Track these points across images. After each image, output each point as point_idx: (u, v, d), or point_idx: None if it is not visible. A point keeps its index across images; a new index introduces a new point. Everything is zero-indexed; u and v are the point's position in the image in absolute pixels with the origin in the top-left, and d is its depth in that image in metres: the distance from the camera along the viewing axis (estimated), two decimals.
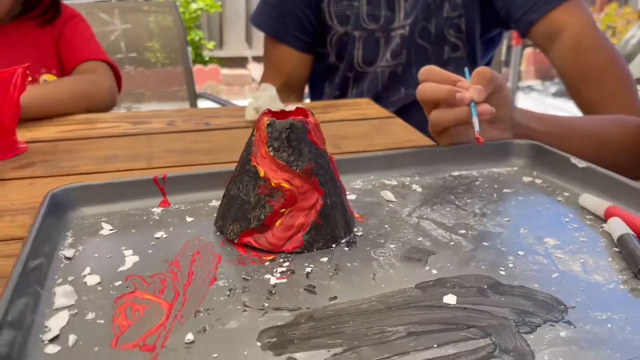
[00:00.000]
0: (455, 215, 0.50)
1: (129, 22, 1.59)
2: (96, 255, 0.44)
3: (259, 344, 0.33)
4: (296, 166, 0.44)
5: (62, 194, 0.50)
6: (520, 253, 0.43)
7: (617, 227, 0.45)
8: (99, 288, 0.39)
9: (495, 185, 0.57)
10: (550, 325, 0.34)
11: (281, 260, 0.43)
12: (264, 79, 1.13)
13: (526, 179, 0.59)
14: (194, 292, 0.38)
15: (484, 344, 0.33)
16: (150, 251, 0.44)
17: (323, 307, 0.37)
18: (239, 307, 0.37)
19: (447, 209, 0.52)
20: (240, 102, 1.17)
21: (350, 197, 0.54)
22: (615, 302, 0.37)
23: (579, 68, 0.88)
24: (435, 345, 0.33)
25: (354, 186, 0.57)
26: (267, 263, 0.42)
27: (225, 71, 4.43)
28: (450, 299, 0.37)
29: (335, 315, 0.36)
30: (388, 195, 0.54)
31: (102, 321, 0.35)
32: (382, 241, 0.46)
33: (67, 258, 0.43)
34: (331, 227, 0.45)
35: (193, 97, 1.65)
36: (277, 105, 0.80)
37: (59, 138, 0.80)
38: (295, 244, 0.44)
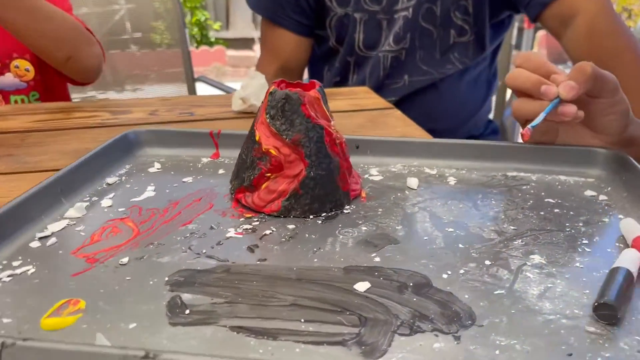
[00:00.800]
0: (461, 214, 0.46)
1: (133, 2, 1.52)
2: (127, 185, 0.52)
3: (166, 278, 0.37)
4: (286, 135, 0.46)
5: (132, 135, 0.60)
6: (487, 262, 0.39)
7: (624, 258, 0.37)
8: (105, 210, 0.48)
9: (543, 193, 0.51)
10: (435, 334, 0.32)
11: (256, 219, 0.46)
12: (261, 63, 1.10)
13: (589, 193, 0.51)
14: (164, 229, 0.44)
15: (348, 331, 0.32)
16: (167, 190, 0.51)
17: (245, 265, 0.39)
18: (182, 248, 0.41)
19: (460, 207, 0.48)
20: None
21: (376, 177, 0.54)
22: (533, 332, 0.32)
23: (593, 55, 0.80)
24: (302, 320, 0.33)
25: (390, 169, 0.56)
26: (242, 219, 0.46)
27: (231, 52, 4.34)
28: (361, 286, 0.36)
29: (248, 273, 0.38)
30: (412, 182, 0.52)
31: (83, 234, 0.43)
32: (359, 222, 0.45)
33: (107, 184, 0.53)
34: (311, 198, 0.46)
35: (191, 81, 1.59)
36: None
37: (29, 129, 0.74)
38: (274, 208, 0.47)
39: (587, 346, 0.30)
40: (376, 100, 0.89)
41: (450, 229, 0.44)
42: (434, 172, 0.56)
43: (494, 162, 0.56)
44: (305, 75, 1.16)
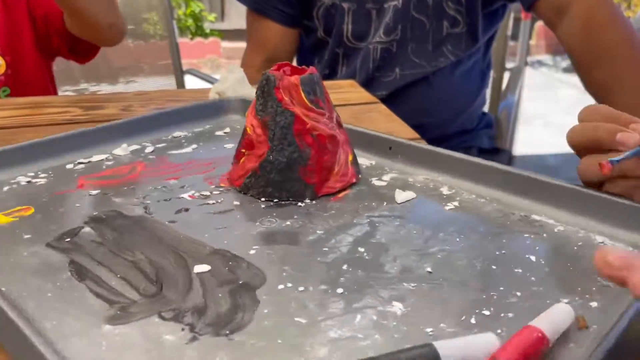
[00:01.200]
0: (400, 240, 0.40)
1: None
2: (183, 141, 0.61)
3: (95, 213, 0.44)
4: (260, 115, 0.47)
5: (222, 102, 0.67)
6: (340, 290, 0.34)
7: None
8: (142, 154, 0.57)
9: (538, 248, 0.39)
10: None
11: (221, 190, 0.49)
12: (247, 55, 1.06)
13: (599, 238, 0.37)
14: (155, 177, 0.51)
15: (136, 298, 0.33)
16: (201, 151, 0.58)
17: (160, 224, 0.43)
18: (140, 196, 0.47)
19: (414, 232, 0.41)
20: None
21: (380, 182, 0.49)
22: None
23: (590, 46, 0.80)
24: (118, 275, 0.36)
25: (406, 177, 0.50)
26: (212, 187, 0.49)
27: (225, 44, 4.16)
28: (200, 268, 0.36)
29: (153, 232, 0.42)
30: (400, 196, 0.46)
31: (104, 167, 0.54)
32: (295, 217, 0.44)
33: (173, 137, 0.62)
34: (266, 181, 0.46)
35: (180, 73, 1.54)
36: (245, 89, 0.72)
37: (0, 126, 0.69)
38: (238, 183, 0.48)
39: None
40: (361, 94, 0.84)
41: (361, 249, 0.39)
42: (448, 192, 0.48)
43: (525, 197, 0.45)
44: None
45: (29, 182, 0.50)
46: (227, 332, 0.31)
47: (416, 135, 0.67)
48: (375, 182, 0.50)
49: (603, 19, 0.80)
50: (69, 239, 0.40)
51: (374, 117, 0.74)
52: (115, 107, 0.77)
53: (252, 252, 0.39)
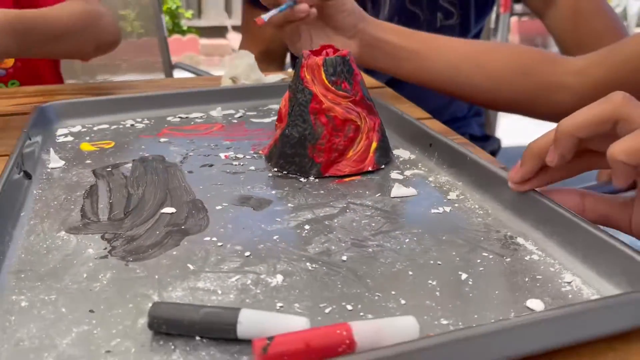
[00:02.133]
0: (354, 223, 0.39)
1: None
2: (272, 112, 0.66)
3: (146, 154, 0.53)
4: (290, 90, 0.50)
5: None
6: (262, 267, 0.36)
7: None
8: (221, 117, 0.64)
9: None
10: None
11: (256, 156, 0.53)
12: (242, 47, 1.06)
13: (568, 277, 0.30)
14: (210, 139, 0.58)
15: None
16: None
17: (179, 172, 0.50)
18: (190, 150, 0.55)
19: (372, 225, 0.39)
20: (220, 73, 0.86)
21: (397, 176, 0.48)
22: None
23: (577, 34, 0.84)
24: (109, 201, 0.43)
25: (427, 175, 0.47)
26: (252, 152, 0.54)
27: (204, 41, 4.11)
28: (168, 210, 0.42)
29: (167, 176, 0.49)
30: (396, 190, 0.45)
31: (192, 123, 0.63)
32: (286, 189, 0.46)
33: (270, 108, 0.68)
34: (280, 153, 0.49)
35: (169, 68, 1.50)
36: (256, 74, 0.74)
37: (11, 112, 0.69)
38: (266, 152, 0.52)
39: None
40: (367, 79, 0.81)
41: (307, 227, 0.39)
42: (454, 196, 0.44)
43: (522, 217, 0.39)
44: (288, 59, 1.13)
45: (132, 125, 0.62)
46: (130, 259, 0.36)
47: (427, 115, 0.65)
48: (393, 174, 0.49)
49: (589, 8, 0.84)
50: (109, 169, 0.50)
51: (383, 100, 0.68)
52: (127, 93, 0.75)
53: (218, 207, 0.43)
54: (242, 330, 0.28)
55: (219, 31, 4.13)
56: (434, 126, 0.57)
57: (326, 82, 0.48)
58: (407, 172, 0.49)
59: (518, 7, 3.25)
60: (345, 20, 0.65)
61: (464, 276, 0.34)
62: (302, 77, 0.48)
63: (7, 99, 0.73)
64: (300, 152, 0.48)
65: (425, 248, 0.37)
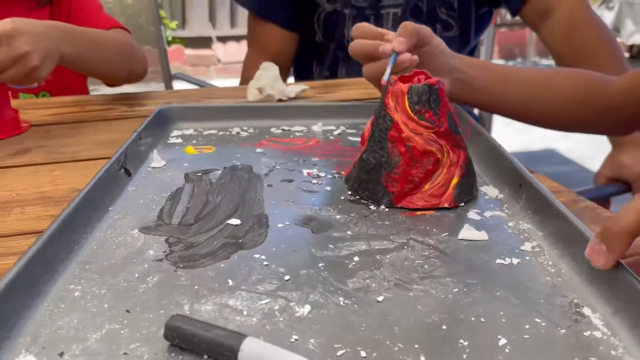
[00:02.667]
0: (407, 262, 0.37)
1: None
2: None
3: (237, 163, 0.56)
4: (375, 114, 0.49)
5: None
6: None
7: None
8: (321, 132, 0.65)
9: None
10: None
11: (337, 176, 0.53)
12: (249, 58, 1.10)
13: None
14: (302, 154, 0.59)
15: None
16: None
17: (260, 184, 0.51)
18: (277, 163, 0.56)
19: (426, 267, 0.37)
20: (214, 83, 1.09)
21: (474, 217, 0.45)
22: None
23: (572, 46, 0.88)
24: (187, 205, 0.46)
25: (505, 219, 0.43)
26: (334, 171, 0.54)
27: (189, 52, 4.10)
28: (234, 221, 0.44)
29: (247, 187, 0.51)
30: (467, 232, 0.41)
31: (292, 136, 0.64)
32: (352, 215, 0.45)
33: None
34: (355, 178, 0.49)
35: (168, 79, 1.48)
36: (280, 85, 0.77)
37: (49, 122, 0.73)
38: (346, 173, 0.52)
39: None
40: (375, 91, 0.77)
41: (356, 259, 0.38)
42: (529, 248, 0.40)
43: (597, 287, 0.34)
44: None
45: (237, 132, 0.66)
46: (181, 266, 0.38)
47: None
48: (471, 213, 0.46)
49: (583, 21, 0.91)
50: (200, 174, 0.53)
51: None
52: (156, 103, 0.78)
53: (280, 225, 0.44)
54: (243, 359, 0.28)
55: (203, 42, 4.18)
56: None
57: (409, 110, 0.46)
58: (488, 213, 0.46)
59: (498, 19, 3.60)
60: (440, 62, 0.65)
61: (502, 341, 0.31)
62: (385, 102, 0.47)
63: (41, 109, 0.78)
64: (375, 179, 0.47)
65: (472, 301, 0.34)
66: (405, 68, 0.59)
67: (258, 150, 0.60)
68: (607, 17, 4.37)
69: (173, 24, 4.05)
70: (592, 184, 0.90)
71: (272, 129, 0.67)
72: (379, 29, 0.62)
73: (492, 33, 2.37)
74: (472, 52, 1.17)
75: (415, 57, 0.59)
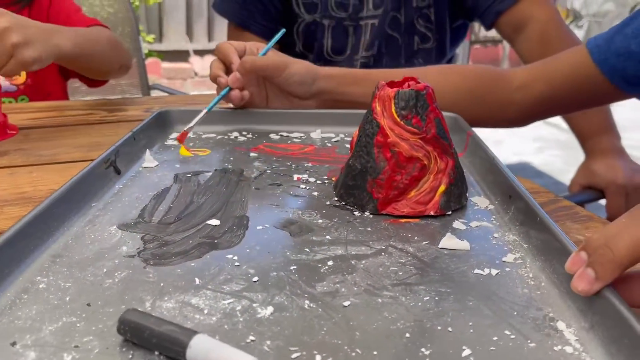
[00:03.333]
0: (382, 269, 0.36)
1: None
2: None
3: (229, 166, 0.55)
4: (363, 119, 0.48)
5: None
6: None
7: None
8: (319, 139, 0.64)
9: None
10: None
11: (327, 182, 0.52)
12: None
13: None
14: (296, 159, 0.58)
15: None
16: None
17: (248, 187, 0.51)
18: (270, 167, 0.56)
19: (400, 274, 0.36)
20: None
21: (460, 226, 0.43)
22: None
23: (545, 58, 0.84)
24: (170, 205, 0.46)
25: (488, 228, 0.42)
26: (325, 177, 0.53)
27: (165, 65, 4.09)
28: (213, 222, 0.43)
29: (234, 189, 0.50)
30: (449, 241, 0.40)
31: (289, 142, 0.64)
32: (334, 220, 0.44)
33: None
34: (342, 183, 0.48)
35: (147, 89, 1.46)
36: None
37: (28, 126, 0.72)
38: (335, 178, 0.51)
39: None
40: None
41: (330, 263, 0.37)
42: (510, 259, 0.38)
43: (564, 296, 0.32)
44: None
45: (235, 137, 0.66)
46: (151, 263, 0.37)
47: None
48: (456, 223, 0.44)
49: (556, 35, 0.95)
50: (189, 175, 0.53)
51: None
52: (137, 109, 0.82)
53: (259, 227, 0.43)
54: (191, 355, 0.27)
55: (180, 55, 4.17)
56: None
57: (395, 115, 0.45)
58: (474, 223, 0.44)
59: (472, 36, 3.67)
60: (297, 89, 0.69)
61: (466, 352, 0.29)
62: (372, 107, 0.47)
63: (19, 114, 0.78)
64: (360, 185, 0.46)
65: (441, 311, 0.33)
66: (238, 105, 0.68)
67: (252, 154, 0.60)
68: (577, 35, 4.44)
69: (150, 38, 4.04)
70: (565, 193, 0.91)
71: (271, 135, 0.67)
72: (232, 56, 0.67)
73: (467, 50, 2.54)
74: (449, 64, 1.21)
75: (246, 93, 0.67)
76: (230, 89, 0.66)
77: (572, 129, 0.98)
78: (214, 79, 0.68)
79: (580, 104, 0.76)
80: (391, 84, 0.48)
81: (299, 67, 0.68)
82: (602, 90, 0.70)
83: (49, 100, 0.92)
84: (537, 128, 3.53)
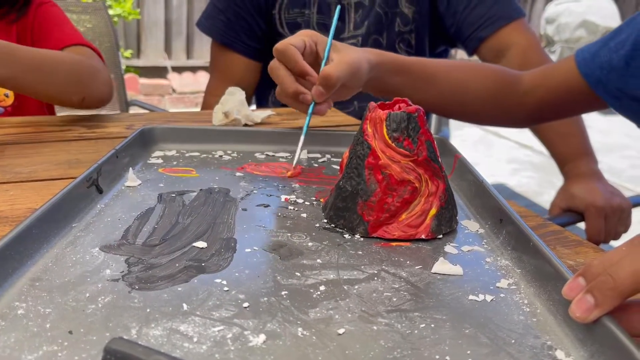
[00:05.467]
0: (375, 295, 0.35)
1: None
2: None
3: (214, 186, 0.54)
4: (353, 140, 0.48)
5: None
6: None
7: None
8: (306, 159, 0.64)
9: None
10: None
11: (316, 203, 0.51)
12: (211, 85, 1.12)
13: None
14: (283, 180, 0.58)
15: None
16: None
17: (234, 208, 0.50)
18: (256, 189, 0.55)
19: (394, 300, 0.35)
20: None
21: (451, 250, 0.43)
22: None
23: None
24: (155, 226, 0.45)
25: (480, 253, 0.42)
26: (313, 198, 0.52)
27: (143, 81, 3.99)
28: (200, 244, 0.42)
29: (220, 210, 0.49)
30: (441, 266, 0.39)
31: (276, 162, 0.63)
32: (324, 243, 0.43)
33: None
34: (332, 205, 0.47)
35: (125, 105, 1.46)
36: (246, 109, 0.77)
37: (4, 142, 0.70)
38: (324, 200, 0.50)
39: None
40: (343, 117, 0.89)
41: (322, 288, 0.36)
42: (504, 285, 0.38)
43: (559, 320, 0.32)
44: None
45: (220, 155, 0.65)
46: (136, 287, 0.36)
47: None
48: (448, 247, 0.44)
49: (536, 60, 0.96)
50: (174, 195, 0.52)
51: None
52: (118, 126, 0.79)
53: (247, 250, 0.42)
54: None
55: (158, 71, 4.12)
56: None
57: (387, 137, 0.45)
58: (465, 247, 0.44)
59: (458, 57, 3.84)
60: (356, 84, 0.67)
61: None
62: (363, 129, 0.46)
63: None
64: (351, 207, 0.46)
65: (438, 339, 0.32)
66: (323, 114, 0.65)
67: (238, 174, 0.59)
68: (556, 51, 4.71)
69: (127, 53, 3.97)
70: (545, 216, 0.92)
71: (256, 154, 0.66)
72: (303, 65, 0.62)
73: None
74: None
75: (330, 104, 0.65)
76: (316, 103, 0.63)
77: (551, 153, 0.99)
78: (294, 95, 0.63)
79: (573, 111, 0.80)
80: (382, 106, 0.47)
81: (365, 65, 0.65)
82: (589, 100, 0.73)
83: None
84: (512, 149, 3.59)
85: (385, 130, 0.45)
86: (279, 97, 0.66)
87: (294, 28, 1.04)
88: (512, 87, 0.77)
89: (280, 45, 0.62)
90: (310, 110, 0.63)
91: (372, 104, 0.47)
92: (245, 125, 0.76)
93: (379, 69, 0.68)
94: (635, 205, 1.17)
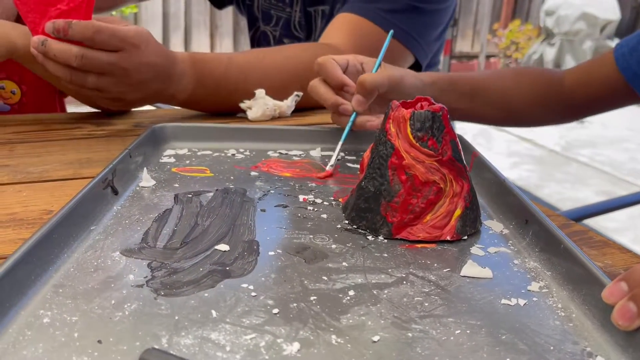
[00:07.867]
0: (406, 299, 0.34)
1: None
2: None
3: (231, 186, 0.53)
4: (375, 140, 0.47)
5: None
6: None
7: None
8: (319, 157, 0.63)
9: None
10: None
11: (335, 203, 0.51)
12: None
13: None
14: (298, 179, 0.57)
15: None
16: None
17: (253, 209, 0.49)
18: (273, 188, 0.54)
19: (426, 305, 0.34)
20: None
21: (478, 253, 0.42)
22: None
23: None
24: (175, 228, 0.44)
25: (507, 255, 0.41)
26: (332, 198, 0.51)
27: None
28: (222, 247, 0.41)
29: (239, 211, 0.48)
30: (471, 269, 0.39)
31: (289, 161, 0.62)
32: (348, 244, 0.42)
33: None
34: (353, 206, 0.46)
35: None
36: (268, 101, 0.78)
37: (12, 140, 0.69)
38: (344, 200, 0.49)
39: None
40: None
41: (351, 293, 0.35)
42: (536, 288, 0.37)
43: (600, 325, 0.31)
44: None
45: (233, 154, 0.64)
46: (162, 293, 0.35)
47: None
48: (474, 248, 0.43)
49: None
50: (190, 196, 0.51)
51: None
52: (125, 123, 0.78)
53: (271, 253, 0.41)
54: None
55: None
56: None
57: (411, 137, 0.44)
58: (492, 249, 0.43)
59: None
60: (405, 99, 0.68)
61: None
62: (386, 128, 0.45)
63: (2, 127, 0.74)
64: (373, 208, 0.45)
65: (475, 346, 0.31)
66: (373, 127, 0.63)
67: (253, 173, 0.58)
68: (549, 53, 5.05)
69: None
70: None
71: (269, 152, 0.65)
72: (341, 76, 0.63)
73: (447, 64, 2.70)
74: None
75: (371, 123, 0.63)
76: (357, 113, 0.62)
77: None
78: (333, 106, 0.64)
79: (615, 105, 0.82)
80: (404, 104, 0.46)
81: (412, 80, 0.67)
82: (628, 93, 0.76)
83: None
84: (512, 143, 3.59)
85: (409, 129, 0.44)
86: (334, 121, 0.66)
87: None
88: (558, 87, 0.80)
89: (321, 58, 0.65)
90: (351, 120, 0.62)
91: (395, 102, 0.46)
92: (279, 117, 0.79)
93: (432, 87, 0.69)
94: (636, 203, 1.18)
